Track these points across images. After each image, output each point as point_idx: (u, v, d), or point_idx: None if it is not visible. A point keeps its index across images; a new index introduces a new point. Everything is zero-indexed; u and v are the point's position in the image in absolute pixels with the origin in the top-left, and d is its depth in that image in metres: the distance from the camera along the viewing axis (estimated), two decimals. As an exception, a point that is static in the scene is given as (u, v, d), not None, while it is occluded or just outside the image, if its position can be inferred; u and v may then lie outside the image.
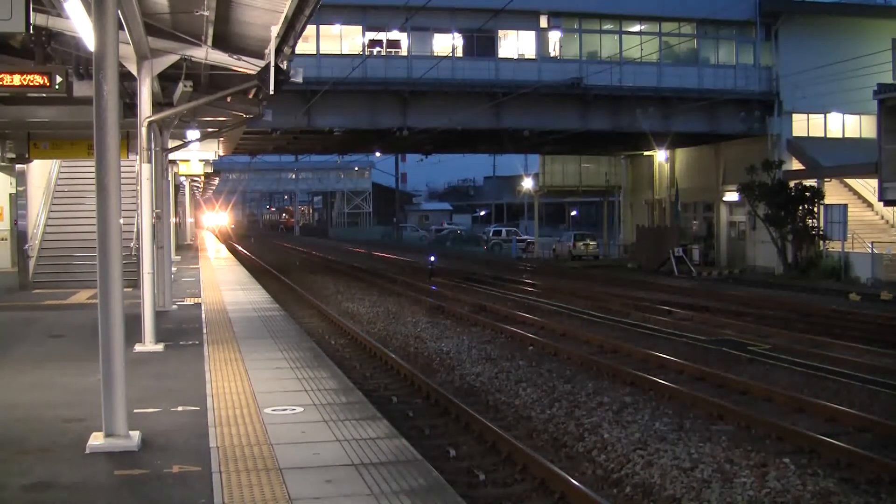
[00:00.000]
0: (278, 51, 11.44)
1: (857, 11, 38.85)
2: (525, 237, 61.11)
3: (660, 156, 44.36)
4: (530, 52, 36.46)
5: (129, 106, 12.70)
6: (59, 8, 10.04)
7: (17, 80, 9.61)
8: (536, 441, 10.44)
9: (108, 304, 6.88)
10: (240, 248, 55.19)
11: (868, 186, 35.57)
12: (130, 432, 6.94)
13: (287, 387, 9.29)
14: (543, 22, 36.27)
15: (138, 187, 12.73)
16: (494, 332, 19.07)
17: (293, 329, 14.17)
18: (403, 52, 35.04)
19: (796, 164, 36.80)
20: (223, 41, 12.72)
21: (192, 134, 19.06)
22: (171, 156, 19.16)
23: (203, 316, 15.39)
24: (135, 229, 16.31)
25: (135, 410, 7.77)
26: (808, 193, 34.09)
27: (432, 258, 37.69)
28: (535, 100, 34.51)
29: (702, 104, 35.05)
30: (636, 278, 34.62)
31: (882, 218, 36.39)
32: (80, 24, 9.36)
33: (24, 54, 11.48)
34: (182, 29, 11.87)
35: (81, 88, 11.31)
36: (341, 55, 34.02)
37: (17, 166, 20.49)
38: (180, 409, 8.25)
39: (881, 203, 32.97)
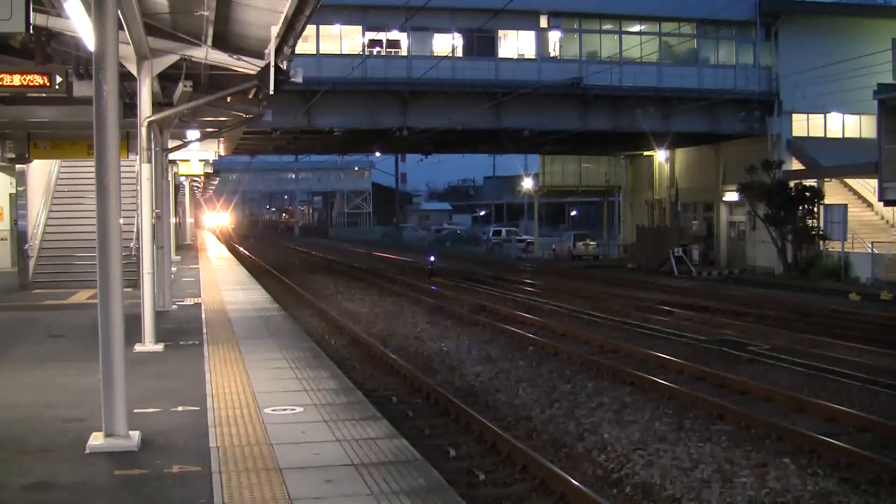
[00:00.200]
0: (278, 51, 11.44)
1: (857, 11, 38.84)
2: (525, 237, 61.08)
3: (660, 156, 44.35)
4: (530, 52, 36.46)
5: (129, 106, 12.70)
6: (59, 8, 10.04)
7: (17, 80, 9.63)
8: (536, 441, 10.44)
9: (108, 304, 6.88)
10: (240, 248, 55.18)
11: (868, 186, 35.55)
12: (130, 432, 6.94)
13: (287, 387, 9.29)
14: (543, 22, 36.26)
15: (138, 187, 12.73)
16: (494, 332, 19.07)
17: (293, 329, 14.17)
18: (403, 52, 35.04)
19: (796, 164, 36.80)
20: (223, 41, 12.72)
21: (192, 134, 19.06)
22: (171, 156, 19.17)
23: (203, 316, 15.39)
24: (135, 229, 16.30)
25: (135, 410, 7.77)
26: (807, 193, 34.09)
27: (432, 258, 37.70)
28: (535, 100, 34.50)
29: (702, 104, 35.03)
30: (636, 278, 34.62)
31: (882, 218, 36.38)
32: (79, 24, 9.36)
33: (24, 54, 11.47)
34: (182, 29, 11.87)
35: (81, 88, 11.30)
36: (341, 55, 34.02)
37: (17, 166, 20.47)
38: (180, 409, 8.25)
39: (881, 203, 32.95)
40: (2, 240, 22.68)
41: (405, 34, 34.61)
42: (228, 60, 12.90)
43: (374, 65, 33.42)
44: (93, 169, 7.14)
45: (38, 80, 9.64)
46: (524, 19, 35.41)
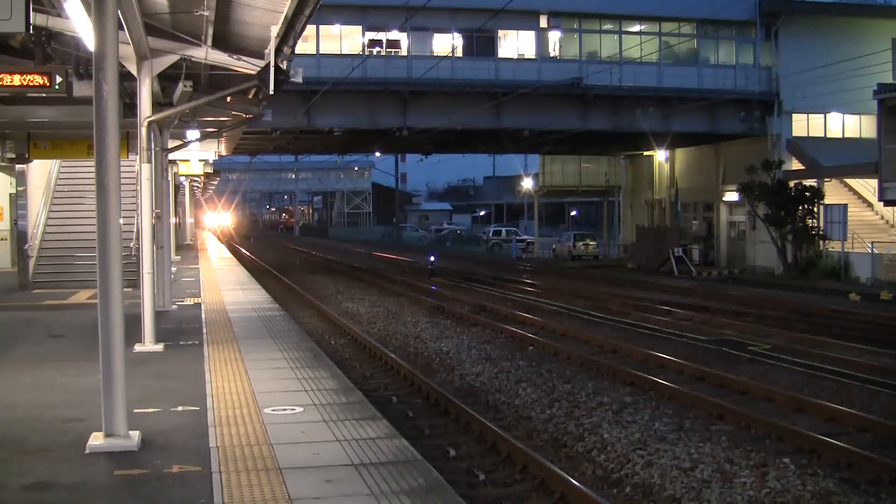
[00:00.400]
0: (278, 51, 11.44)
1: (857, 11, 38.84)
2: (525, 237, 61.10)
3: (660, 156, 44.36)
4: (530, 52, 36.46)
5: (129, 106, 12.70)
6: (59, 8, 10.04)
7: (17, 80, 9.61)
8: (536, 441, 10.44)
9: (108, 304, 6.88)
10: (240, 248, 55.19)
11: (868, 186, 35.56)
12: (130, 432, 6.94)
13: (287, 387, 9.29)
14: (543, 22, 36.27)
15: (138, 187, 12.73)
16: (494, 332, 19.07)
17: (293, 329, 14.17)
18: (403, 52, 35.04)
19: (796, 164, 36.80)
20: (223, 41, 12.72)
21: (192, 134, 19.05)
22: (171, 156, 19.15)
23: (203, 316, 15.39)
24: (135, 229, 16.30)
25: (135, 410, 7.77)
26: (807, 193, 34.09)
27: (432, 258, 37.69)
28: (535, 100, 34.51)
29: (702, 104, 35.04)
30: (636, 278, 34.62)
31: (882, 218, 36.38)
32: (79, 24, 9.36)
33: (24, 54, 11.49)
34: (182, 29, 11.87)
35: (81, 88, 11.31)
36: (341, 55, 34.03)
37: (17, 166, 20.49)
38: (180, 409, 8.25)
39: (881, 203, 32.97)
40: (2, 240, 22.70)
41: (405, 34, 34.62)
42: (228, 60, 12.90)
43: (373, 65, 33.43)
44: (93, 169, 7.14)
45: (38, 80, 9.63)
46: (524, 19, 35.42)
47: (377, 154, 66.09)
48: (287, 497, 5.75)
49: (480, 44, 35.33)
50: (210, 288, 21.09)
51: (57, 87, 9.69)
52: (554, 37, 36.91)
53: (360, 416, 8.01)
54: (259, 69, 12.15)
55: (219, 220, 76.42)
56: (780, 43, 37.26)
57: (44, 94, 11.31)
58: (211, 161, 29.18)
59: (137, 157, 12.26)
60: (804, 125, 37.77)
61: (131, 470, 6.34)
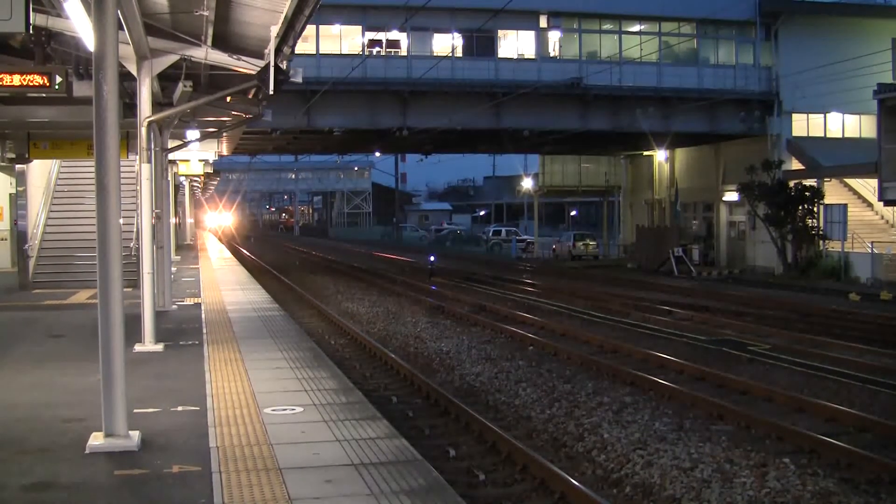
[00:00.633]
0: (278, 51, 11.44)
1: (857, 11, 38.84)
2: (525, 237, 61.08)
3: (660, 156, 44.36)
4: (530, 52, 36.46)
5: (129, 106, 12.70)
6: (59, 8, 10.04)
7: (17, 80, 9.61)
8: (536, 441, 10.44)
9: (108, 304, 6.88)
10: (239, 247, 55.19)
11: (868, 186, 35.56)
12: (130, 432, 6.94)
13: (287, 387, 9.29)
14: (543, 22, 36.26)
15: (138, 187, 12.73)
16: (494, 332, 19.07)
17: (293, 329, 14.17)
18: (403, 52, 35.04)
19: (796, 164, 36.80)
20: (223, 41, 12.72)
21: (192, 134, 19.05)
22: (171, 156, 19.15)
23: (203, 316, 15.39)
24: (135, 229, 16.30)
25: (135, 410, 7.77)
26: (807, 193, 34.08)
27: (432, 258, 37.69)
28: (534, 100, 34.50)
29: (702, 104, 35.04)
30: (636, 278, 34.62)
31: (882, 218, 36.38)
32: (79, 24, 9.36)
33: (24, 54, 11.48)
34: (182, 29, 11.87)
35: (81, 88, 11.31)
36: (341, 55, 34.02)
37: (17, 166, 20.48)
38: (180, 409, 8.25)
39: (881, 203, 32.97)
40: (2, 240, 22.69)
41: (405, 34, 34.61)
42: (228, 60, 12.90)
43: (373, 65, 33.43)
44: (93, 169, 7.14)
45: (38, 80, 9.63)
46: (524, 19, 35.42)
47: (377, 154, 66.10)
48: (287, 497, 5.75)
49: (480, 44, 35.33)
50: (210, 288, 21.09)
51: (57, 87, 9.69)
52: (554, 37, 36.91)
53: (360, 416, 8.01)
54: (259, 69, 12.15)
55: (218, 219, 76.44)
56: (780, 43, 37.26)
57: (44, 94, 11.30)
58: (211, 161, 29.18)
59: (137, 157, 12.26)
60: (804, 125, 37.78)
61: (131, 470, 6.34)
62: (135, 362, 10.26)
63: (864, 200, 36.85)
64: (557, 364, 15.13)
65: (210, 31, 11.76)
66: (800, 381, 13.54)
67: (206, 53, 12.39)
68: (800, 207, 34.20)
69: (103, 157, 6.85)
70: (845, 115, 38.02)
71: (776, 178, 35.07)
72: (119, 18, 8.26)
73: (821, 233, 33.48)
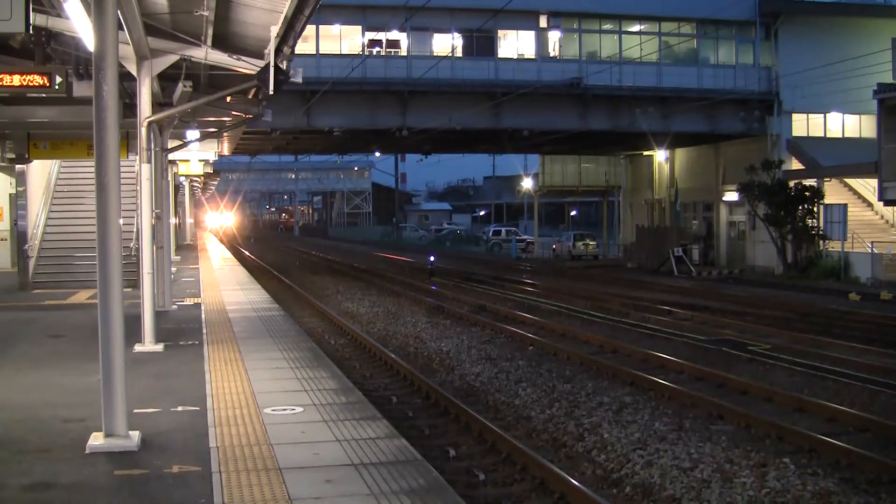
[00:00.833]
0: (278, 51, 11.43)
1: (857, 11, 38.84)
2: (525, 237, 61.07)
3: (659, 156, 44.36)
4: (530, 52, 36.46)
5: (128, 106, 12.69)
6: (59, 8, 10.04)
7: (17, 80, 9.61)
8: (536, 441, 10.44)
9: (108, 304, 6.88)
10: (239, 248, 55.19)
11: (868, 186, 35.56)
12: (130, 432, 6.94)
13: (287, 387, 9.29)
14: (543, 22, 36.26)
15: (138, 187, 12.73)
16: (494, 332, 19.07)
17: (293, 329, 14.17)
18: (403, 52, 35.04)
19: (796, 164, 36.79)
20: (223, 41, 12.72)
21: (192, 134, 19.05)
22: (171, 156, 19.15)
23: (203, 316, 15.39)
24: (135, 229, 16.30)
25: (135, 410, 7.77)
26: (807, 193, 34.08)
27: (432, 258, 37.67)
28: (534, 100, 34.50)
29: (701, 104, 35.03)
30: (636, 278, 34.62)
31: (882, 218, 36.38)
32: (79, 24, 9.36)
33: (24, 54, 11.48)
34: (182, 29, 11.87)
35: (81, 88, 11.31)
36: (341, 55, 34.02)
37: (17, 166, 20.47)
38: (180, 409, 8.25)
39: (881, 203, 32.96)
40: (2, 240, 22.69)
41: (405, 34, 34.62)
42: (228, 60, 12.90)
43: (373, 65, 33.43)
44: (93, 169, 7.14)
45: (37, 80, 9.63)
46: (524, 19, 35.42)
47: (377, 154, 66.12)
48: (287, 497, 5.75)
49: (480, 44, 35.33)
50: (210, 288, 21.09)
51: (57, 87, 9.69)
52: (554, 37, 36.90)
53: (360, 416, 8.01)
54: (259, 69, 12.14)
55: (219, 220, 76.46)
56: (780, 43, 37.26)
57: (44, 94, 11.32)
58: (211, 161, 29.18)
59: (137, 157, 12.25)
60: (804, 125, 37.77)
61: (131, 470, 6.34)
62: (135, 362, 10.26)
63: (864, 200, 36.85)
64: (557, 364, 15.13)
65: (210, 32, 11.76)
66: (800, 381, 13.54)
67: (205, 53, 12.40)
68: (800, 207, 34.21)
69: (103, 157, 6.85)
70: (845, 115, 38.01)
71: (776, 178, 35.07)
72: (119, 18, 8.26)
73: (821, 233, 33.48)
